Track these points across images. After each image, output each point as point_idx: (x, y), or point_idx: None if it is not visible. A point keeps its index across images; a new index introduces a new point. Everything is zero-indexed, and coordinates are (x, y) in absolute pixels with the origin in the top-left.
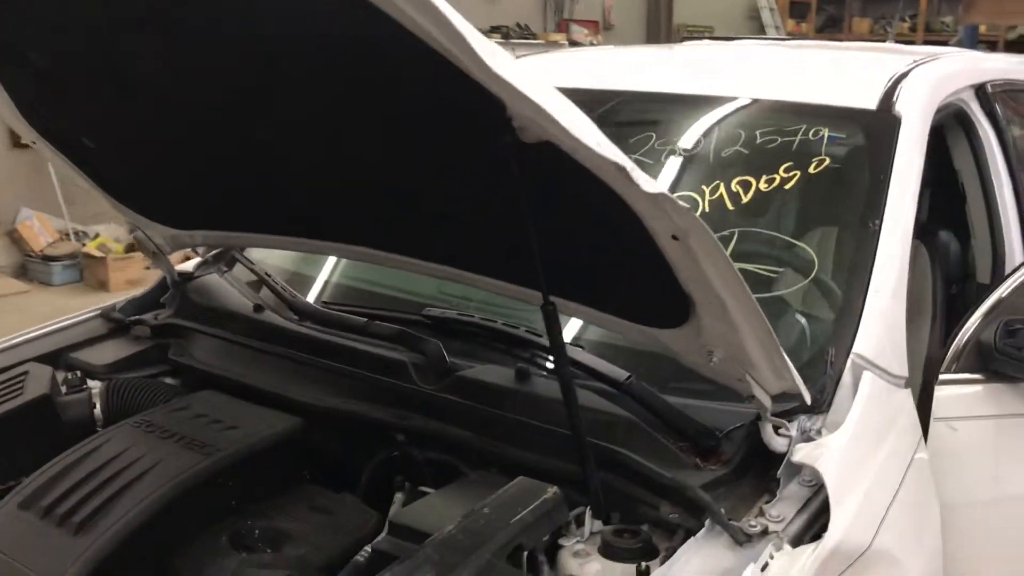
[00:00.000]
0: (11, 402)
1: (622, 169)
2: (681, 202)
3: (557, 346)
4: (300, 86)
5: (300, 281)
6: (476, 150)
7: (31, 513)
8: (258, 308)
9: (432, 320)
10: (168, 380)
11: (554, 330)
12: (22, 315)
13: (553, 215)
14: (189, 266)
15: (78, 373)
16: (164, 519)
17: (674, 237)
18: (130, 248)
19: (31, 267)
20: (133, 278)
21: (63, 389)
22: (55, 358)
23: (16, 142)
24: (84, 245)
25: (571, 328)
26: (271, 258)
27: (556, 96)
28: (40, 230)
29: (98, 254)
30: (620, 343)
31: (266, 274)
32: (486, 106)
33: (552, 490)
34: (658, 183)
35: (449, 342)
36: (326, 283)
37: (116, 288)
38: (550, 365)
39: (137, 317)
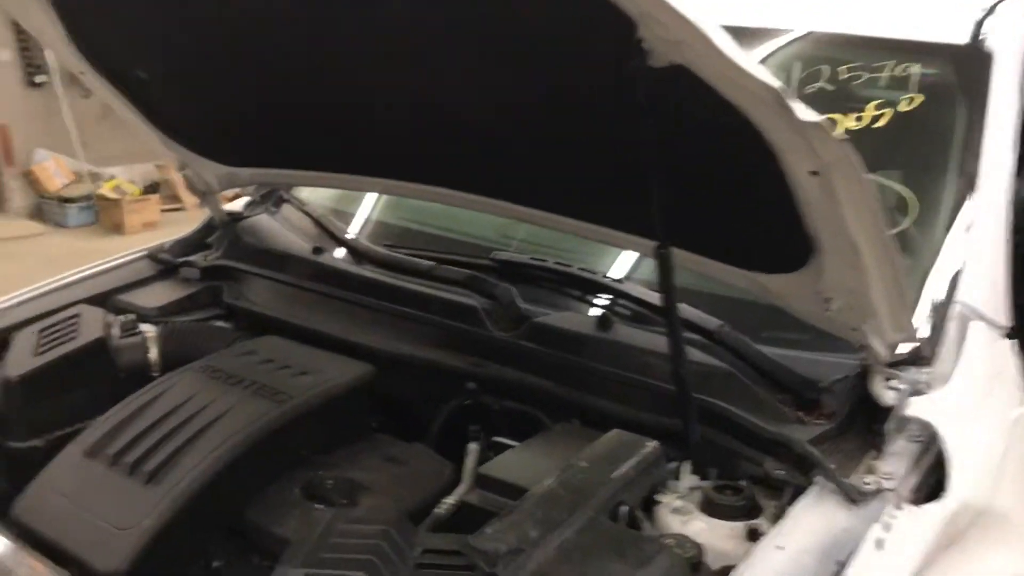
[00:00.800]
0: (65, 345)
1: (777, 94)
2: (835, 132)
3: (670, 294)
4: (382, 6)
5: (340, 220)
6: (590, 78)
7: (98, 461)
8: (317, 250)
9: (501, 264)
10: (221, 324)
11: (667, 276)
12: (36, 259)
13: (665, 151)
14: (236, 206)
15: (130, 316)
16: (239, 468)
17: (813, 173)
18: (147, 190)
19: (46, 208)
20: (149, 220)
21: (116, 332)
22: (103, 300)
23: (31, 82)
24: (99, 187)
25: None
26: (311, 197)
27: (700, 13)
28: (55, 171)
29: (113, 196)
30: (698, 288)
31: (321, 215)
32: (611, 26)
33: (652, 444)
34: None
35: (518, 288)
36: (366, 222)
37: (131, 231)
38: (623, 311)
39: (185, 258)
